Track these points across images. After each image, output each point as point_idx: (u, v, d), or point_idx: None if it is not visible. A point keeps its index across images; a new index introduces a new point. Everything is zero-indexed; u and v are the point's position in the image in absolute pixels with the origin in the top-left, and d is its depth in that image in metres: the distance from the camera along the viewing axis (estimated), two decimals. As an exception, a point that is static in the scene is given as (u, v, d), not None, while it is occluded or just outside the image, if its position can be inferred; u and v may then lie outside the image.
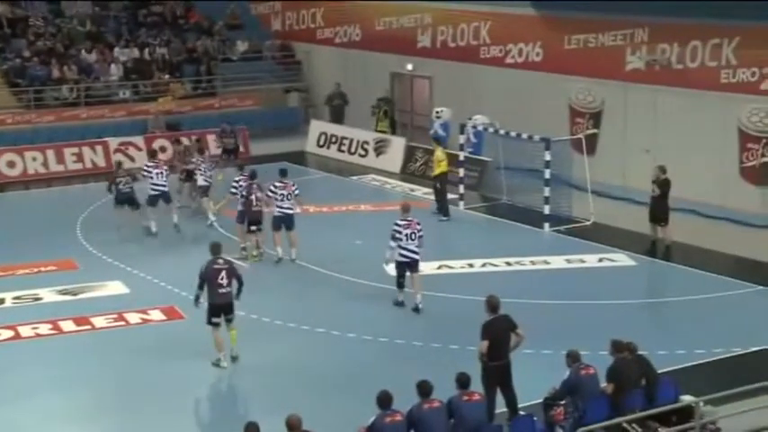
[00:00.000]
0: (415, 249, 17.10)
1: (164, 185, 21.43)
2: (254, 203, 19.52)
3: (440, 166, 23.22)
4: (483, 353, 12.61)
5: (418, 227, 17.17)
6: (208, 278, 14.82)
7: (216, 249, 15.18)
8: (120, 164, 22.86)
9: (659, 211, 20.13)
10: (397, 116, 31.03)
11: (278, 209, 19.45)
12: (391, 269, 17.56)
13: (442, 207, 23.07)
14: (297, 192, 19.69)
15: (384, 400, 10.93)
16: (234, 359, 15.03)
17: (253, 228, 19.64)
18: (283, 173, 19.93)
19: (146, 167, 21.78)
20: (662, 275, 19.94)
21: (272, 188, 19.55)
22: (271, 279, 18.93)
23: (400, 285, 17.34)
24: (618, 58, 24.80)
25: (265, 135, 31.13)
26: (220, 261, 15.00)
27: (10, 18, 32.43)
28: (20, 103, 29.81)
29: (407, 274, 17.21)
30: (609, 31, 24.95)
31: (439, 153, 23.48)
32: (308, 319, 16.79)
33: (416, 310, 17.13)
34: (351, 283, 18.47)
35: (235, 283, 14.99)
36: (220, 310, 14.90)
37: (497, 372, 12.66)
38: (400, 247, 17.05)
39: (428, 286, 18.04)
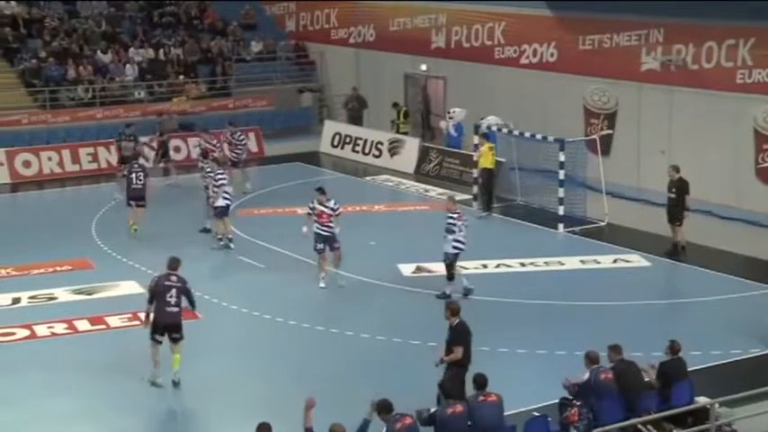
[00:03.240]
0: (464, 240, 17.40)
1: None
2: (134, 182, 21.28)
3: (485, 161, 23.11)
4: (457, 358, 12.56)
5: (465, 218, 17.65)
6: (157, 293, 14.06)
7: (173, 265, 14.36)
8: None
9: (673, 211, 20.01)
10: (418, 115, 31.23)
11: (324, 227, 17.93)
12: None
13: (484, 202, 23.18)
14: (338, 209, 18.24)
15: (385, 408, 10.74)
16: (175, 384, 14.11)
17: (132, 203, 21.37)
18: (322, 191, 18.31)
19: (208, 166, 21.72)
20: (677, 276, 19.85)
21: (322, 206, 17.96)
22: (284, 280, 18.92)
23: (452, 277, 17.46)
24: (633, 58, 24.72)
25: (279, 135, 31.20)
26: (173, 278, 14.20)
27: (26, 18, 32.56)
28: (35, 103, 29.92)
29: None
30: (624, 31, 24.88)
31: (485, 148, 23.28)
32: (321, 320, 16.79)
33: (469, 292, 17.40)
34: (364, 284, 18.45)
35: (186, 302, 14.26)
36: (165, 328, 14.09)
37: (464, 376, 12.49)
38: (455, 239, 17.26)
39: (442, 287, 18.03)
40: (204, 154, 22.92)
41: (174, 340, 14.14)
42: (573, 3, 25.49)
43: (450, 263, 17.45)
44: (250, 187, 25.41)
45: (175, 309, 14.10)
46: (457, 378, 12.44)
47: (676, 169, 20.08)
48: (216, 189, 20.42)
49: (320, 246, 17.95)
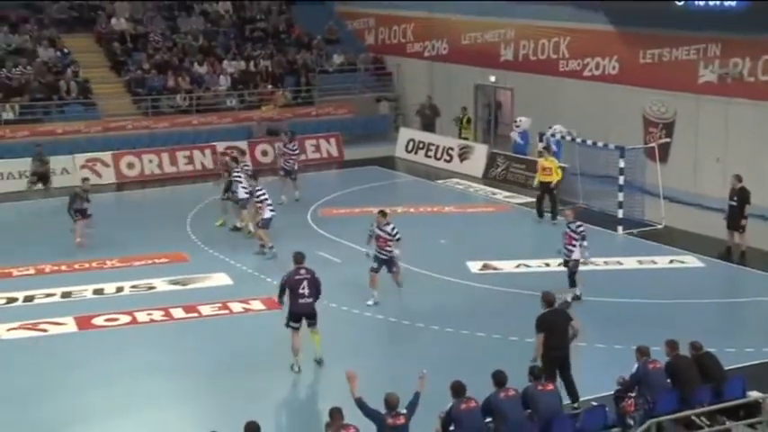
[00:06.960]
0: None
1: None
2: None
3: (545, 175, 22.57)
4: (537, 346, 12.70)
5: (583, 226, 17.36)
6: (289, 287, 14.29)
7: (299, 258, 14.54)
8: None
9: (735, 218, 19.61)
10: (484, 124, 31.06)
11: (383, 251, 16.87)
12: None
13: (549, 210, 22.72)
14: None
15: (458, 389, 10.92)
16: (318, 363, 14.45)
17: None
18: (382, 213, 17.25)
19: (236, 172, 21.51)
20: (731, 277, 19.44)
21: (380, 230, 16.92)
22: (360, 275, 18.92)
23: (574, 283, 17.24)
24: (691, 71, 24.27)
25: (358, 141, 31.40)
26: (302, 271, 14.38)
27: (132, 34, 33.29)
28: (139, 110, 30.56)
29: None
30: (683, 45, 24.43)
31: (543, 161, 22.74)
32: (396, 313, 16.80)
33: (572, 302, 16.75)
34: (434, 279, 18.42)
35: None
36: (301, 316, 14.35)
37: (557, 361, 12.64)
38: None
39: (507, 283, 17.95)
40: (234, 159, 22.35)
41: (311, 324, 14.39)
42: (634, 18, 25.13)
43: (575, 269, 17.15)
44: (298, 195, 24.46)
45: (309, 299, 14.30)
46: (545, 361, 12.50)
47: (739, 179, 19.69)
48: (258, 204, 19.85)
49: (374, 265, 16.86)
